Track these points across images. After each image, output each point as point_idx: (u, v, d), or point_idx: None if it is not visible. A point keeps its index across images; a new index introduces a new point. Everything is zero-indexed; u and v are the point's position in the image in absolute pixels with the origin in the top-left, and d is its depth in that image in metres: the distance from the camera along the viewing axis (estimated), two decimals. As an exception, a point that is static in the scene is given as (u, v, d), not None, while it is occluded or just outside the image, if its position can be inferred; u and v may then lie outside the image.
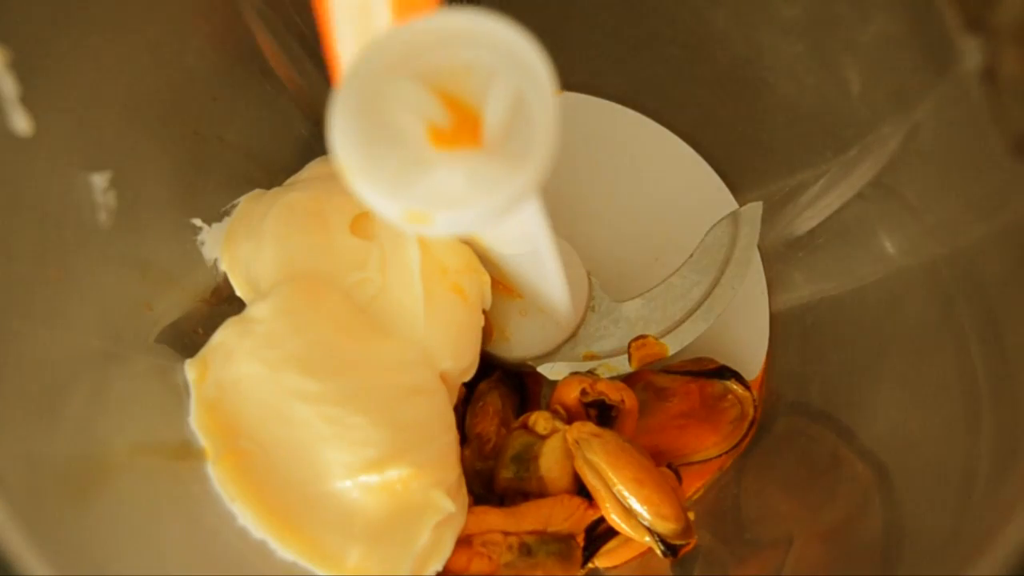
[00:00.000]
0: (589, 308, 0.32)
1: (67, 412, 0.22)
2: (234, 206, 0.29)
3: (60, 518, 0.21)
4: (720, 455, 0.32)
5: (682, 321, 0.32)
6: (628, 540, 0.28)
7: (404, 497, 0.25)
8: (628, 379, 0.32)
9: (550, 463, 0.28)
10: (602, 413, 0.30)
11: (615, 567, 0.30)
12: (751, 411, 0.32)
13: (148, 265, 0.26)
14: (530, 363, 0.32)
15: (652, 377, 0.32)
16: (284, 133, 0.32)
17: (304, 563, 0.25)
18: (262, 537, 0.25)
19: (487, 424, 0.30)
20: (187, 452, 0.25)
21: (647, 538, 0.27)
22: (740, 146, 0.35)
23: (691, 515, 0.27)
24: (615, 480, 0.27)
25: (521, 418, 0.30)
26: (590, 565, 0.29)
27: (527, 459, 0.29)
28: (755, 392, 0.32)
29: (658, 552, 0.27)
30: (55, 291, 0.22)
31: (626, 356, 0.32)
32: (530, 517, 0.28)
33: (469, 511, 0.28)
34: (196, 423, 0.26)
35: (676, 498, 0.27)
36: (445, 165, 0.17)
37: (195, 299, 0.28)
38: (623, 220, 0.35)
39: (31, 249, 0.22)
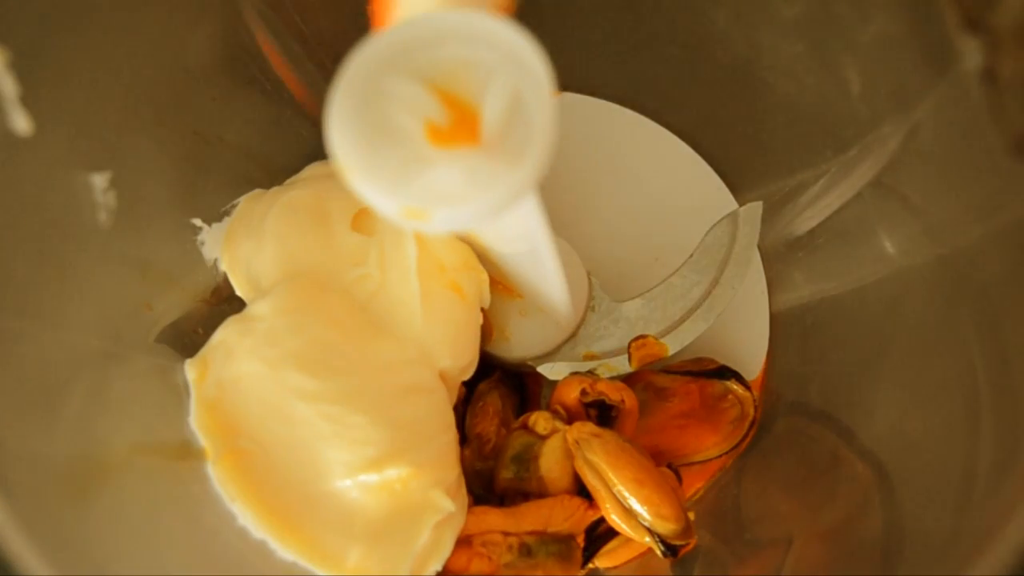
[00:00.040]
0: (589, 308, 0.32)
1: (67, 412, 0.22)
2: (234, 206, 0.29)
3: (60, 518, 0.21)
4: (720, 455, 0.32)
5: (682, 321, 0.32)
6: (628, 540, 0.28)
7: (404, 497, 0.25)
8: (628, 379, 0.32)
9: (550, 463, 0.28)
10: (602, 413, 0.30)
11: (615, 567, 0.30)
12: (751, 411, 0.32)
13: (148, 265, 0.26)
14: (530, 363, 0.32)
15: (652, 377, 0.32)
16: (284, 133, 0.32)
17: (304, 563, 0.25)
18: (262, 537, 0.25)
19: (487, 424, 0.30)
20: (187, 452, 0.25)
21: (647, 538, 0.27)
22: (740, 146, 0.35)
23: (691, 515, 0.27)
24: (615, 480, 0.27)
25: (521, 418, 0.30)
26: (590, 565, 0.29)
27: (527, 459, 0.29)
28: (755, 392, 0.32)
29: (658, 552, 0.27)
30: (55, 291, 0.23)
31: (626, 356, 0.32)
32: (530, 517, 0.28)
33: (469, 511, 0.28)
34: (196, 423, 0.26)
35: (676, 498, 0.27)
36: (443, 163, 0.17)
37: (195, 299, 0.28)
38: (623, 220, 0.35)
39: (31, 249, 0.22)
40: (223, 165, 0.29)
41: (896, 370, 0.28)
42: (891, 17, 0.25)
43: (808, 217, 0.32)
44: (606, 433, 0.28)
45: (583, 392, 0.29)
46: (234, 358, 0.26)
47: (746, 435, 0.32)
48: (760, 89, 0.31)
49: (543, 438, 0.29)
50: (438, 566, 0.26)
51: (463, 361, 0.28)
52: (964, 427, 0.23)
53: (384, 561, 0.25)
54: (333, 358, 0.26)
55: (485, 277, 0.29)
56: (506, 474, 0.29)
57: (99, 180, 0.23)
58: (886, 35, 0.25)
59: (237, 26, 0.28)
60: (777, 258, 0.35)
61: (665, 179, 0.36)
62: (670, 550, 0.26)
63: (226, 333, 0.26)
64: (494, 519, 0.28)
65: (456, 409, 0.29)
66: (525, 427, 0.29)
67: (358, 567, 0.25)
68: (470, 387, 0.31)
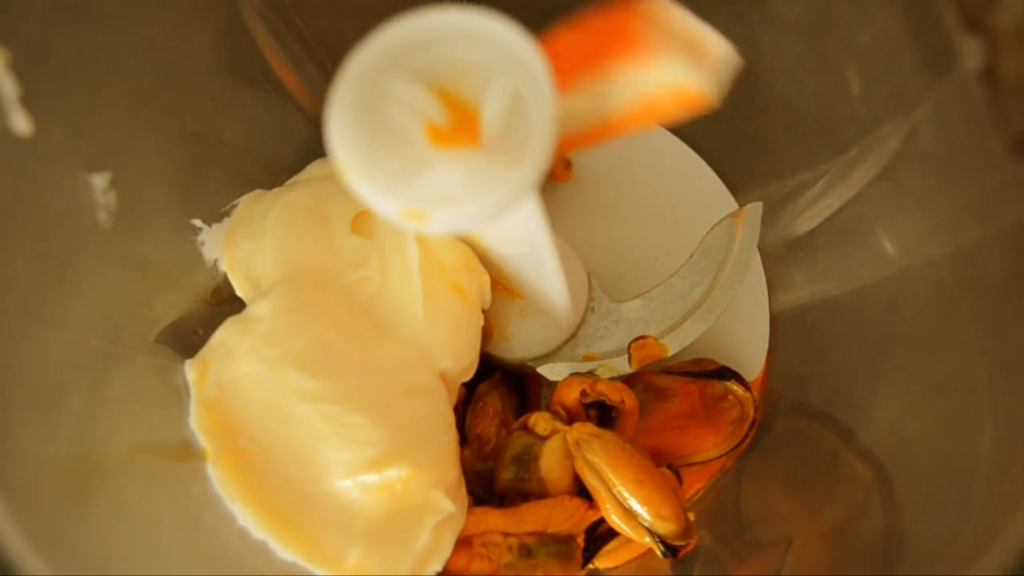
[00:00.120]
0: (589, 309, 0.32)
1: (67, 412, 0.22)
2: (234, 206, 0.29)
3: (60, 518, 0.21)
4: (720, 456, 0.32)
5: (682, 321, 0.32)
6: (628, 541, 0.28)
7: (404, 497, 0.25)
8: (628, 380, 0.32)
9: (550, 464, 0.28)
10: (602, 414, 0.30)
11: (615, 568, 0.30)
12: (751, 412, 0.32)
13: (148, 265, 0.26)
14: (530, 364, 0.32)
15: (652, 378, 0.32)
16: (284, 133, 0.32)
17: (304, 563, 0.25)
18: (262, 537, 0.25)
19: (487, 425, 0.30)
20: (187, 452, 0.25)
21: (647, 539, 0.27)
22: (740, 146, 0.35)
23: (691, 516, 0.27)
24: (615, 481, 0.27)
25: (521, 419, 0.30)
26: (590, 566, 0.29)
27: (527, 460, 0.29)
28: (755, 393, 0.32)
29: (658, 553, 0.27)
30: (55, 291, 0.23)
31: (626, 357, 0.32)
32: (530, 518, 0.28)
33: (469, 512, 0.28)
34: (196, 423, 0.26)
35: (676, 499, 0.27)
36: (443, 163, 0.17)
37: (195, 299, 0.28)
38: (623, 220, 0.35)
39: (31, 249, 0.22)
40: (223, 165, 0.29)
41: (896, 370, 0.28)
42: (891, 17, 0.25)
43: (808, 217, 0.32)
44: (606, 434, 0.28)
45: (583, 393, 0.29)
46: (234, 358, 0.26)
47: (746, 436, 0.32)
48: (760, 89, 0.31)
49: (543, 439, 0.29)
50: (438, 566, 0.26)
51: (464, 362, 0.28)
52: (964, 427, 0.23)
53: (384, 561, 0.25)
54: (333, 358, 0.26)
55: (486, 278, 0.29)
56: (506, 475, 0.29)
57: (99, 180, 0.23)
58: (886, 35, 0.25)
59: (237, 26, 0.28)
60: (777, 258, 0.35)
61: (665, 179, 0.36)
62: (670, 550, 0.26)
63: (226, 333, 0.26)
64: (494, 519, 0.28)
65: (456, 410, 0.29)
66: (525, 428, 0.29)
67: (358, 567, 0.25)
68: (470, 388, 0.31)
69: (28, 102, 0.20)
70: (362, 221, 0.28)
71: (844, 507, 0.27)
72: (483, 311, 0.29)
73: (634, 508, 0.27)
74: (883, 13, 0.25)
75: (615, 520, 0.27)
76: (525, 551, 0.28)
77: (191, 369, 0.26)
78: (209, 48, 0.27)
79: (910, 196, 0.27)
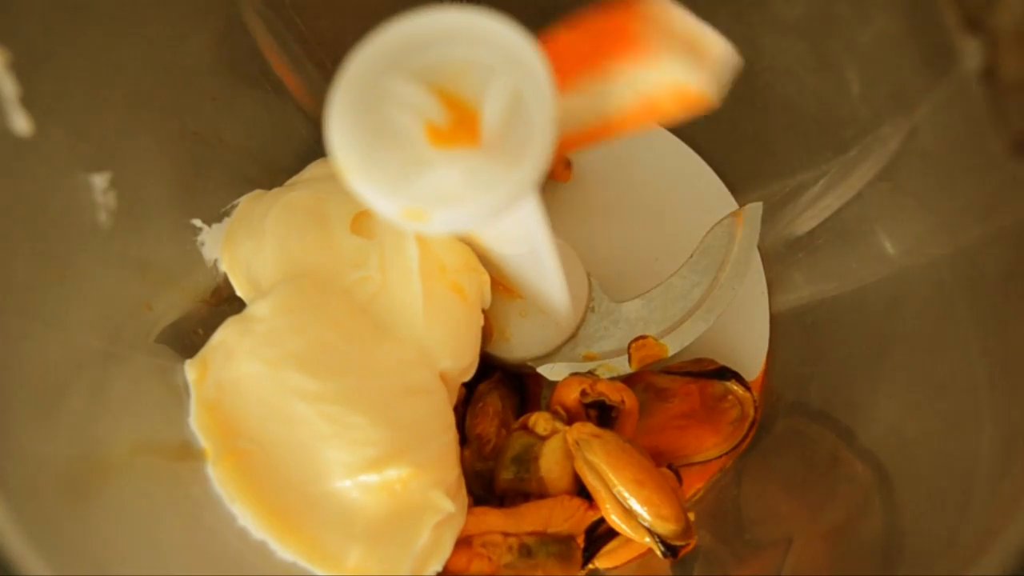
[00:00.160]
0: (589, 309, 0.32)
1: (67, 412, 0.22)
2: (234, 206, 0.29)
3: (60, 518, 0.21)
4: (720, 456, 0.32)
5: (682, 322, 0.32)
6: (628, 541, 0.28)
7: (404, 497, 0.25)
8: (628, 380, 0.32)
9: (550, 464, 0.28)
10: (602, 414, 0.30)
11: (615, 568, 0.30)
12: (751, 412, 0.32)
13: (148, 265, 0.26)
14: (530, 364, 0.32)
15: (652, 378, 0.32)
16: (284, 133, 0.32)
17: (304, 563, 0.25)
18: (262, 537, 0.25)
19: (487, 425, 0.30)
20: (187, 452, 0.25)
21: (647, 539, 0.27)
22: (740, 146, 0.35)
23: (691, 516, 0.27)
24: (615, 481, 0.27)
25: (521, 419, 0.30)
26: (590, 566, 0.29)
27: (527, 460, 0.29)
28: (755, 393, 0.32)
29: (658, 553, 0.27)
30: (55, 291, 0.23)
31: (626, 357, 0.32)
32: (530, 518, 0.28)
33: (469, 512, 0.28)
34: (196, 423, 0.26)
35: (676, 499, 0.27)
36: (443, 164, 0.17)
37: (195, 299, 0.28)
38: (623, 220, 0.35)
39: (31, 249, 0.22)
40: (223, 165, 0.29)
41: (896, 370, 0.28)
42: (891, 17, 0.25)
43: (808, 217, 0.32)
44: (606, 434, 0.28)
45: (583, 393, 0.29)
46: (234, 359, 0.26)
47: (746, 436, 0.32)
48: (760, 89, 0.31)
49: (543, 439, 0.29)
50: (438, 566, 0.26)
51: (464, 362, 0.28)
52: (964, 427, 0.23)
53: (384, 561, 0.25)
54: (333, 359, 0.26)
55: (486, 278, 0.29)
56: (506, 475, 0.29)
57: (99, 180, 0.23)
58: (886, 35, 0.25)
59: (237, 26, 0.28)
60: (777, 258, 0.35)
61: (665, 179, 0.36)
62: (670, 550, 0.26)
63: (226, 333, 0.26)
64: (494, 520, 0.28)
65: (456, 410, 0.29)
66: (525, 428, 0.29)
67: (358, 567, 0.25)
68: (470, 388, 0.31)
69: (28, 102, 0.20)
70: (362, 221, 0.28)
71: (844, 507, 0.27)
72: (483, 311, 0.29)
73: (634, 508, 0.27)
74: (883, 13, 0.25)
75: (615, 520, 0.27)
76: (525, 551, 0.28)
77: (191, 369, 0.26)
78: (209, 48, 0.27)
79: (910, 196, 0.27)
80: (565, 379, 0.30)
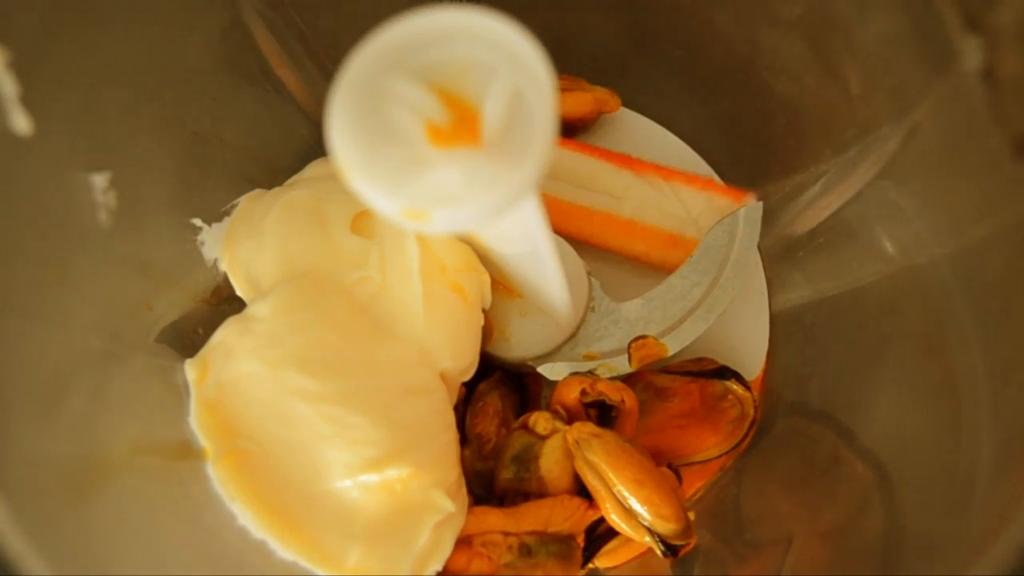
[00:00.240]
0: (589, 308, 0.32)
1: (67, 412, 0.22)
2: (234, 206, 0.29)
3: (60, 518, 0.21)
4: (720, 455, 0.32)
5: (682, 321, 0.32)
6: (628, 540, 0.28)
7: (404, 497, 0.25)
8: (628, 379, 0.32)
9: (550, 463, 0.28)
10: (602, 413, 0.30)
11: (615, 567, 0.30)
12: (751, 411, 0.32)
13: (148, 265, 0.26)
14: (530, 363, 0.32)
15: (652, 377, 0.32)
16: (284, 133, 0.32)
17: (304, 563, 0.25)
18: (262, 537, 0.25)
19: (487, 424, 0.30)
20: (187, 452, 0.25)
21: (647, 538, 0.27)
22: (740, 146, 0.35)
23: (691, 515, 0.27)
24: (615, 480, 0.27)
25: (521, 418, 0.30)
26: (590, 565, 0.29)
27: (527, 459, 0.29)
28: (755, 392, 0.32)
29: (658, 552, 0.27)
30: (55, 291, 0.23)
31: (626, 356, 0.32)
32: (530, 517, 0.28)
33: (469, 511, 0.28)
34: (196, 423, 0.26)
35: (676, 498, 0.27)
36: (443, 163, 0.17)
37: (195, 299, 0.28)
38: (623, 220, 0.35)
39: (31, 249, 0.22)
40: (223, 165, 0.29)
41: (896, 370, 0.28)
42: (891, 17, 0.25)
43: (808, 217, 0.32)
44: (606, 433, 0.28)
45: (583, 392, 0.29)
46: (234, 359, 0.26)
47: (746, 435, 0.32)
48: (760, 89, 0.31)
49: (543, 438, 0.29)
50: (438, 566, 0.26)
51: (464, 362, 0.28)
52: (964, 427, 0.23)
53: (384, 561, 0.25)
54: (333, 359, 0.26)
55: (487, 278, 0.29)
56: (506, 474, 0.29)
57: (99, 180, 0.23)
58: (886, 35, 0.25)
59: (237, 26, 0.28)
60: (777, 258, 0.35)
61: (665, 179, 0.36)
62: (670, 550, 0.26)
63: (226, 334, 0.26)
64: (494, 519, 0.28)
65: (456, 409, 0.29)
66: (525, 427, 0.29)
67: (358, 567, 0.25)
68: (470, 387, 0.31)
69: (28, 102, 0.20)
70: (362, 221, 0.28)
71: (844, 507, 0.27)
72: (483, 311, 0.29)
73: (634, 508, 0.27)
74: (883, 13, 0.25)
75: (615, 520, 0.27)
76: (525, 551, 0.28)
77: (191, 369, 0.26)
78: (209, 48, 0.27)
79: (910, 196, 0.27)
80: (565, 379, 0.30)
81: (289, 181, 0.31)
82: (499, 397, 0.31)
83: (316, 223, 0.28)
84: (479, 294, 0.29)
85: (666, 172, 0.34)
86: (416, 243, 0.27)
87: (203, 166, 0.28)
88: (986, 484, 0.21)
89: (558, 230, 0.32)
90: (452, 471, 0.27)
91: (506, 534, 0.28)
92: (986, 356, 0.23)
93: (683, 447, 0.32)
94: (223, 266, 0.29)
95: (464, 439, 0.30)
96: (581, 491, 0.29)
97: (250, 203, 0.29)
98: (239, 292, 0.28)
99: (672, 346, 0.32)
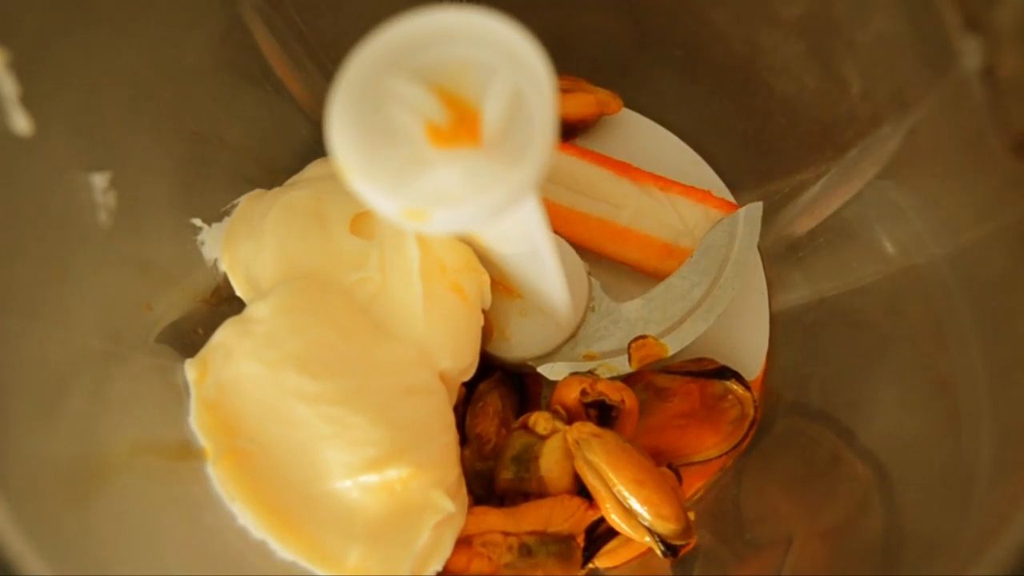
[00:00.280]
0: (589, 308, 0.32)
1: (67, 412, 0.22)
2: (234, 206, 0.29)
3: (60, 518, 0.21)
4: (720, 455, 0.32)
5: (682, 321, 0.32)
6: (628, 540, 0.28)
7: (404, 497, 0.25)
8: (628, 379, 0.32)
9: (550, 463, 0.28)
10: (602, 413, 0.30)
11: (615, 567, 0.30)
12: (751, 411, 0.32)
13: (148, 265, 0.26)
14: (530, 363, 0.32)
15: (652, 377, 0.32)
16: (284, 133, 0.32)
17: (304, 563, 0.25)
18: (262, 537, 0.25)
19: (487, 424, 0.30)
20: (187, 452, 0.25)
21: (647, 538, 0.27)
22: (740, 146, 0.35)
23: (691, 515, 0.27)
24: (615, 480, 0.27)
25: (521, 418, 0.30)
26: (590, 565, 0.29)
27: (527, 459, 0.29)
28: (755, 392, 0.32)
29: (658, 552, 0.27)
30: (55, 291, 0.23)
31: (626, 356, 0.32)
32: (530, 517, 0.28)
33: (469, 512, 0.28)
34: (196, 423, 0.26)
35: (676, 498, 0.27)
36: (443, 163, 0.17)
37: (195, 299, 0.28)
38: (623, 220, 0.35)
39: (31, 249, 0.22)
40: (223, 165, 0.29)
41: (896, 370, 0.28)
42: (891, 17, 0.25)
43: (808, 217, 0.32)
44: (606, 433, 0.28)
45: (583, 392, 0.29)
46: (233, 359, 0.26)
47: (746, 435, 0.32)
48: (760, 89, 0.31)
49: (543, 438, 0.29)
50: (438, 566, 0.26)
51: (464, 362, 0.28)
52: (965, 427, 0.23)
53: (384, 561, 0.25)
54: (333, 359, 0.26)
55: (486, 278, 0.29)
56: (506, 474, 0.29)
57: (99, 180, 0.23)
58: (886, 35, 0.25)
59: (237, 26, 0.28)
60: (777, 258, 0.35)
61: (665, 179, 0.36)
62: (670, 550, 0.26)
63: (225, 334, 0.26)
64: (494, 519, 0.28)
65: (456, 409, 0.29)
66: (525, 427, 0.29)
67: (358, 567, 0.25)
68: (470, 387, 0.31)
69: (28, 102, 0.20)
70: (362, 221, 0.28)
71: (844, 507, 0.27)
72: (483, 311, 0.29)
73: (634, 508, 0.27)
74: (883, 13, 0.25)
75: (615, 520, 0.27)
76: (525, 551, 0.28)
77: (191, 369, 0.26)
78: (209, 48, 0.27)
79: (910, 196, 0.27)
80: (565, 379, 0.30)
81: (289, 181, 0.31)
82: (499, 397, 0.31)
83: (316, 223, 0.28)
84: (479, 294, 0.29)
85: (664, 183, 0.34)
86: (416, 243, 0.27)
87: (203, 166, 0.28)
88: (986, 484, 0.21)
89: (555, 233, 0.32)
90: (452, 471, 0.27)
91: (506, 534, 0.28)
92: (986, 356, 0.23)
93: (683, 447, 0.32)
94: (223, 266, 0.29)
95: (464, 439, 0.30)
96: (581, 491, 0.29)
97: (250, 203, 0.29)
98: (239, 292, 0.28)
99: (672, 346, 0.32)
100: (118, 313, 0.25)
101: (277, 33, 0.29)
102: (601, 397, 0.29)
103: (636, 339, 0.32)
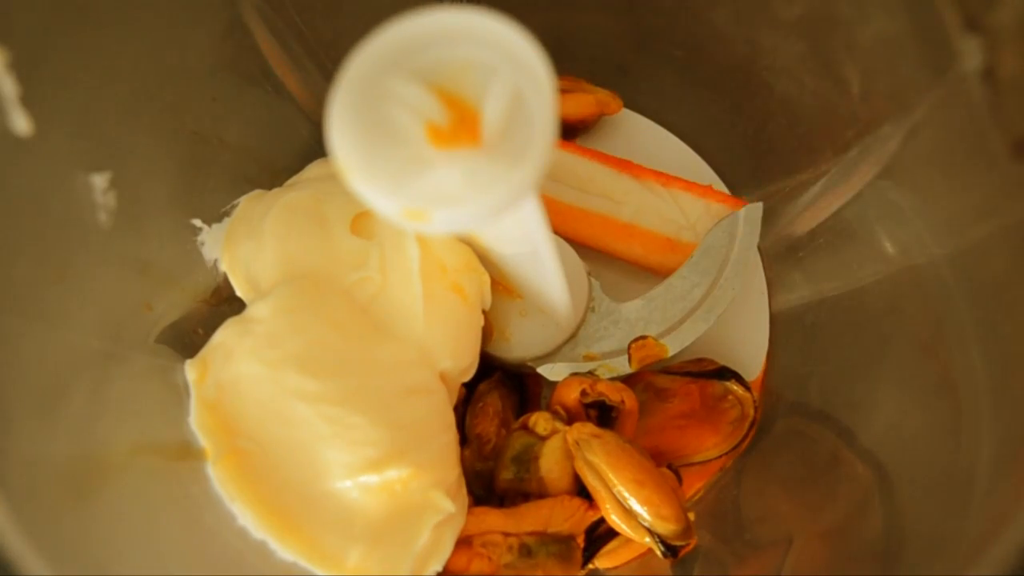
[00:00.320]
0: (589, 309, 0.32)
1: (67, 412, 0.22)
2: (234, 206, 0.29)
3: (60, 518, 0.21)
4: (720, 456, 0.32)
5: (682, 322, 0.32)
6: (628, 541, 0.28)
7: (404, 497, 0.25)
8: (628, 380, 0.32)
9: (550, 464, 0.28)
10: (602, 414, 0.30)
11: (615, 568, 0.30)
12: (751, 412, 0.32)
13: (148, 265, 0.26)
14: (530, 364, 0.32)
15: (652, 378, 0.32)
16: (284, 133, 0.32)
17: (304, 563, 0.25)
18: (262, 537, 0.25)
19: (487, 425, 0.30)
20: (187, 452, 0.25)
21: (647, 539, 0.27)
22: (740, 146, 0.35)
23: (691, 516, 0.27)
24: (615, 481, 0.27)
25: (521, 419, 0.30)
26: (590, 566, 0.29)
27: (527, 460, 0.29)
28: (755, 393, 0.32)
29: (658, 553, 0.27)
30: (55, 291, 0.23)
31: (626, 357, 0.32)
32: (530, 518, 0.28)
33: (469, 512, 0.28)
34: (196, 423, 0.26)
35: (676, 499, 0.27)
36: (443, 164, 0.17)
37: (195, 299, 0.28)
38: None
39: (31, 249, 0.22)
40: (223, 165, 0.29)
41: (896, 370, 0.28)
42: (891, 17, 0.25)
43: (808, 217, 0.32)
44: (606, 434, 0.28)
45: (583, 393, 0.29)
46: (233, 360, 0.26)
47: (746, 435, 0.32)
48: (760, 89, 0.31)
49: (543, 439, 0.29)
50: (438, 567, 0.26)
51: (464, 362, 0.28)
52: (964, 427, 0.23)
53: (384, 561, 0.25)
54: (333, 359, 0.26)
55: (487, 278, 0.29)
56: (506, 475, 0.29)
57: (99, 180, 0.23)
58: (886, 35, 0.25)
59: (237, 26, 0.28)
60: (777, 258, 0.35)
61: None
62: (670, 550, 0.26)
63: (225, 335, 0.26)
64: (494, 520, 0.28)
65: (456, 410, 0.29)
66: (525, 428, 0.29)
67: (358, 567, 0.25)
68: (470, 388, 0.31)
69: (28, 102, 0.20)
70: (362, 222, 0.28)
71: (844, 507, 0.27)
72: (483, 311, 0.29)
73: (634, 508, 0.27)
74: (883, 13, 0.25)
75: (615, 520, 0.27)
76: (525, 551, 0.28)
77: (191, 369, 0.26)
78: (209, 48, 0.27)
79: (910, 196, 0.27)
80: (565, 379, 0.30)
81: (289, 181, 0.31)
82: (499, 397, 0.31)
83: (316, 224, 0.28)
84: (479, 294, 0.29)
85: (665, 178, 0.34)
86: (416, 243, 0.27)
87: (203, 166, 0.28)
88: (986, 484, 0.21)
89: (557, 232, 0.32)
90: (452, 471, 0.27)
91: (506, 534, 0.28)
92: (986, 356, 0.23)
93: (683, 447, 0.32)
94: (223, 266, 0.29)
95: (464, 439, 0.30)
96: (581, 491, 0.29)
97: (250, 203, 0.29)
98: (239, 293, 0.28)
99: (672, 347, 0.32)
100: (118, 313, 0.25)
101: (277, 33, 0.29)
102: (601, 398, 0.29)
103: (636, 339, 0.32)
